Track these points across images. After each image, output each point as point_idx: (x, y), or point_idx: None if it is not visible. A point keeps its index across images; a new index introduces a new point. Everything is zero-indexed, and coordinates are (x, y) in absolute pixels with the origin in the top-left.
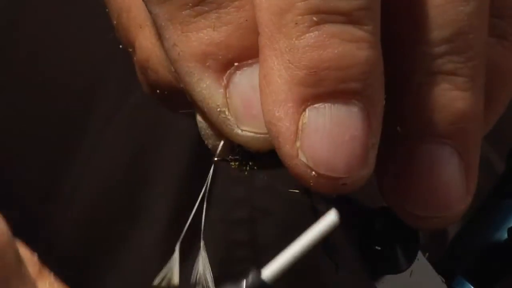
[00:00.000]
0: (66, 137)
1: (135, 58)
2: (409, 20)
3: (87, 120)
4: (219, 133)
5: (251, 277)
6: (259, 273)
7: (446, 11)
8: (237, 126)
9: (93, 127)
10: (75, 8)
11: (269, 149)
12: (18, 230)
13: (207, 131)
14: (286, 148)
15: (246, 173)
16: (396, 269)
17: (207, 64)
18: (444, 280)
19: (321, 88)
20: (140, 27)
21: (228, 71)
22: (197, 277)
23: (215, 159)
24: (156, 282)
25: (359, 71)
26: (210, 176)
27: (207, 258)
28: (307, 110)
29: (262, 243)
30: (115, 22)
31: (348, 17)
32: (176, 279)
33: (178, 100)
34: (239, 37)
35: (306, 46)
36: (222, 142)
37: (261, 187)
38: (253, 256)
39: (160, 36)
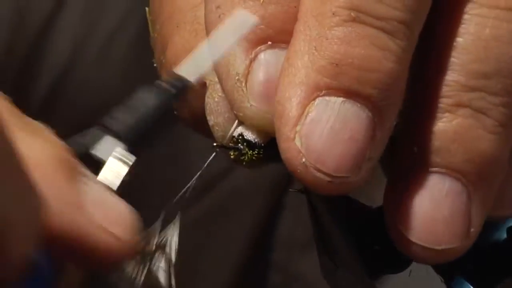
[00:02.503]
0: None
1: (163, 60)
2: (451, 44)
3: None
4: (228, 108)
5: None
6: (174, 72)
7: (491, 47)
8: (248, 100)
9: None
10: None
11: (269, 139)
12: None
13: (212, 107)
14: (285, 129)
15: (244, 163)
16: (396, 269)
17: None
18: (443, 280)
19: (337, 82)
20: (177, 26)
21: (259, 47)
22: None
23: (214, 144)
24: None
25: (378, 79)
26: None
27: (178, 229)
28: (317, 99)
29: None
30: (155, 34)
31: (385, 24)
32: (152, 244)
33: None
34: (282, 19)
35: (336, 38)
36: (232, 130)
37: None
38: None
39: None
